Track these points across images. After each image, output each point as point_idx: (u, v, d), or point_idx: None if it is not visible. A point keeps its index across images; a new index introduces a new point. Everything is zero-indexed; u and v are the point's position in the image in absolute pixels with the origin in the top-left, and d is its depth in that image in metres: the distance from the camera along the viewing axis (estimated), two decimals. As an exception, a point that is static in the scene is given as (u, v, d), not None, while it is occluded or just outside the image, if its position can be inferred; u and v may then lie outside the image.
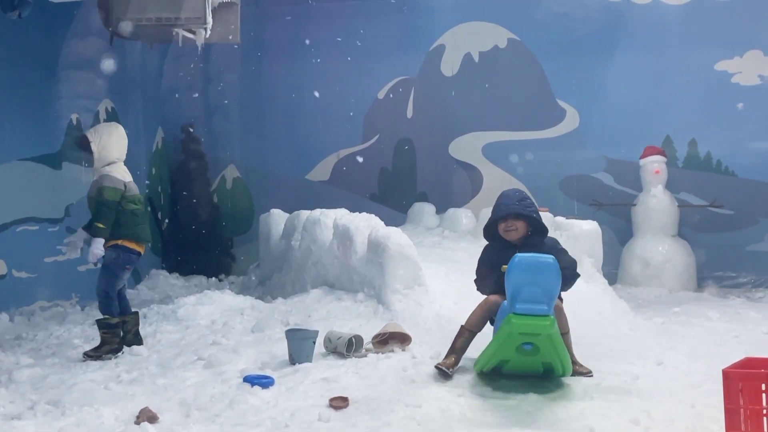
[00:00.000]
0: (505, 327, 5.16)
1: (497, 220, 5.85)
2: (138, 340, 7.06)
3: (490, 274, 5.80)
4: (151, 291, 11.02)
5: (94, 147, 6.94)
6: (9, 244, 9.22)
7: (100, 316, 6.99)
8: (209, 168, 12.95)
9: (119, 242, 6.93)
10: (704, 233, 10.67)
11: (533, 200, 6.06)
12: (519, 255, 5.30)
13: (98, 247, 6.82)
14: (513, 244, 5.77)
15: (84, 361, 6.66)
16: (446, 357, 5.77)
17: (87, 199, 7.10)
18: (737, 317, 8.02)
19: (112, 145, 7.05)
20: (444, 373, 5.62)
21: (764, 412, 3.73)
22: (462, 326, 5.82)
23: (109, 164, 7.00)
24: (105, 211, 6.83)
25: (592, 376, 5.59)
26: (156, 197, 12.31)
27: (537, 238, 5.81)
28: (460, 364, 5.93)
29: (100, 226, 6.82)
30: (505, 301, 5.34)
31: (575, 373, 5.56)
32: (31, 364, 6.64)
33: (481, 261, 5.98)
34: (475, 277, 6.02)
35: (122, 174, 7.05)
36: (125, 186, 7.01)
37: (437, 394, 5.26)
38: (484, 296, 5.81)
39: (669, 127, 10.90)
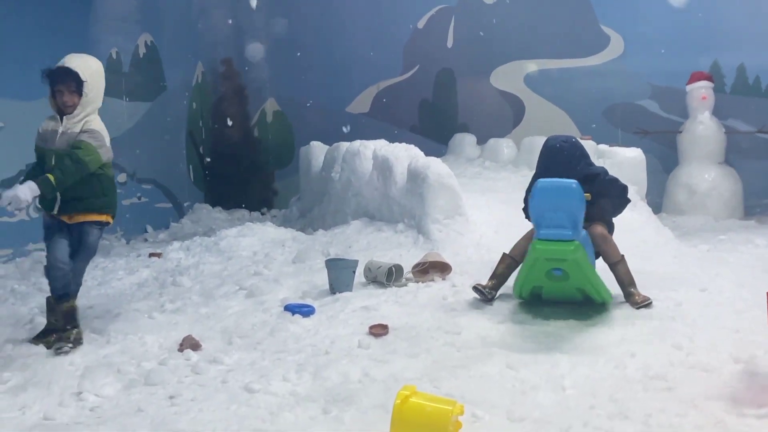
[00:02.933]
0: (531, 253, 5.14)
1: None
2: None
3: None
4: (195, 224, 11.15)
5: (86, 88, 5.21)
6: (53, 179, 9.33)
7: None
8: (249, 102, 12.95)
9: (104, 218, 5.37)
10: (752, 160, 10.43)
11: (576, 141, 5.86)
12: (541, 180, 5.24)
13: (26, 193, 4.94)
14: None
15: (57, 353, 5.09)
16: (487, 281, 5.76)
17: (53, 152, 5.19)
18: (785, 244, 7.86)
19: (101, 87, 5.38)
20: (480, 291, 5.62)
21: (810, 335, 3.67)
22: (505, 253, 5.79)
23: (93, 113, 5.32)
24: (73, 173, 5.09)
25: (650, 305, 5.46)
26: (197, 131, 12.35)
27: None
28: (501, 292, 5.91)
29: (53, 183, 5.05)
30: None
31: (632, 303, 5.49)
32: (77, 295, 6.75)
33: (529, 190, 5.89)
34: (523, 205, 5.96)
35: (105, 130, 5.37)
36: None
37: (477, 321, 5.25)
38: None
39: (716, 52, 10.60)
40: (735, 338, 4.72)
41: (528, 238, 5.67)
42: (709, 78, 10.32)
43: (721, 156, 10.31)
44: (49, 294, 5.26)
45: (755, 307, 5.23)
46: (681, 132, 10.45)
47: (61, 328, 5.17)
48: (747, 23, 10.39)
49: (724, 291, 5.85)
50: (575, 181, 5.17)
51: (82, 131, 5.19)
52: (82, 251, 5.29)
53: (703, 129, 10.23)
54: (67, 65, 5.19)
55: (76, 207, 5.25)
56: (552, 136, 5.88)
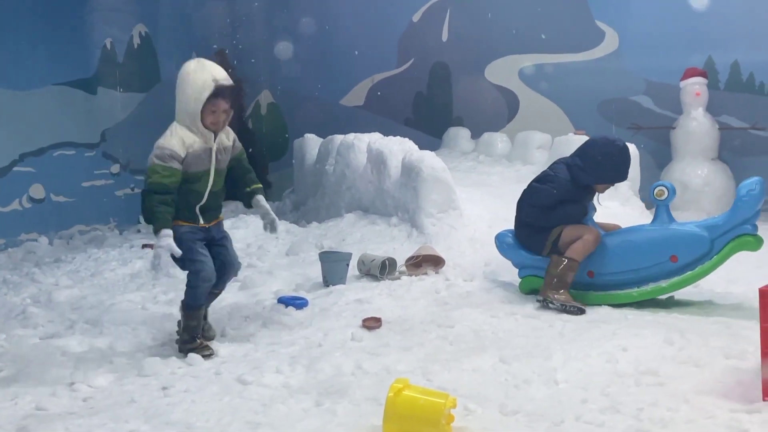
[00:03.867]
0: (745, 245, 5.38)
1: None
2: None
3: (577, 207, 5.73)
4: (188, 216, 11.12)
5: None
6: (46, 169, 9.34)
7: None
8: (243, 93, 12.92)
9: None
10: (745, 156, 10.44)
11: None
12: (757, 180, 5.38)
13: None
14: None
15: None
16: (566, 293, 5.50)
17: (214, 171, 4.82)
18: (777, 241, 7.88)
19: None
20: (576, 309, 5.38)
21: (801, 331, 3.68)
22: (573, 259, 5.55)
23: None
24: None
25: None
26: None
27: None
28: (495, 285, 5.94)
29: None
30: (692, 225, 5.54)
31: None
32: (69, 285, 6.74)
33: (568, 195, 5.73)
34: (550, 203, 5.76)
35: None
36: None
37: (470, 315, 5.27)
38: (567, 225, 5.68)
39: (711, 48, 10.60)
40: (726, 334, 4.74)
41: (594, 244, 5.59)
42: (703, 74, 10.32)
43: (715, 152, 10.31)
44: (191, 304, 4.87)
45: (747, 302, 5.26)
46: (674, 128, 10.45)
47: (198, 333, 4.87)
48: (741, 20, 10.39)
49: (716, 286, 5.88)
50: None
51: (234, 141, 5.01)
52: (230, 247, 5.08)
53: (696, 125, 10.23)
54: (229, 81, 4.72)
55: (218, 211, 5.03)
56: (610, 137, 5.86)
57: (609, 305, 5.50)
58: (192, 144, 4.70)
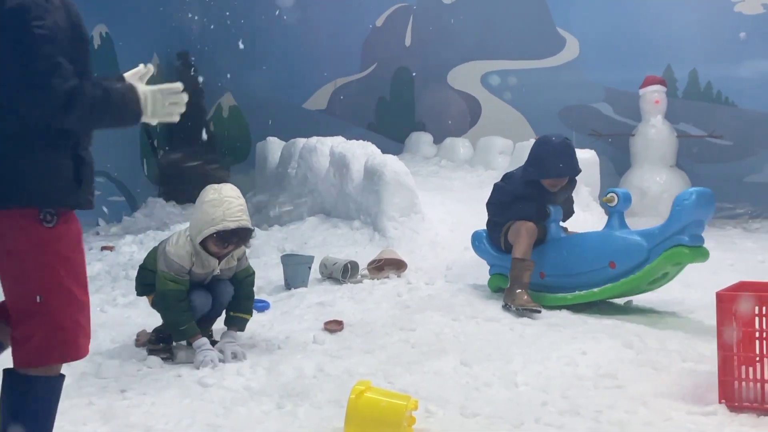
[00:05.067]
0: (673, 257, 5.22)
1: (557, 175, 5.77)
2: None
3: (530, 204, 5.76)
4: (148, 218, 11.04)
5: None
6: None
7: None
8: (205, 96, 12.84)
9: None
10: (703, 164, 10.62)
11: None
12: (694, 190, 5.37)
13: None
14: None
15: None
16: (525, 295, 5.48)
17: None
18: (733, 247, 8.02)
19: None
20: (532, 311, 5.37)
21: (757, 334, 3.74)
22: (527, 259, 5.57)
23: None
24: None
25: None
26: (152, 126, 12.22)
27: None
28: (458, 288, 5.97)
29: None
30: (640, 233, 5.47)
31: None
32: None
33: (519, 191, 5.83)
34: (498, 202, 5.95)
35: None
36: None
37: (431, 318, 5.28)
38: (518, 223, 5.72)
39: (670, 56, 10.77)
40: (683, 337, 4.81)
41: (528, 236, 5.63)
42: (662, 82, 10.48)
43: (673, 159, 10.47)
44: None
45: (703, 307, 5.32)
46: (634, 135, 10.59)
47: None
48: (699, 30, 10.57)
49: (673, 291, 5.96)
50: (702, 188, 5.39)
51: (240, 259, 4.86)
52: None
53: (655, 132, 10.38)
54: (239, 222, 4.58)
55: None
56: (551, 135, 5.97)
57: (566, 309, 5.54)
58: (195, 261, 4.62)
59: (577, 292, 5.56)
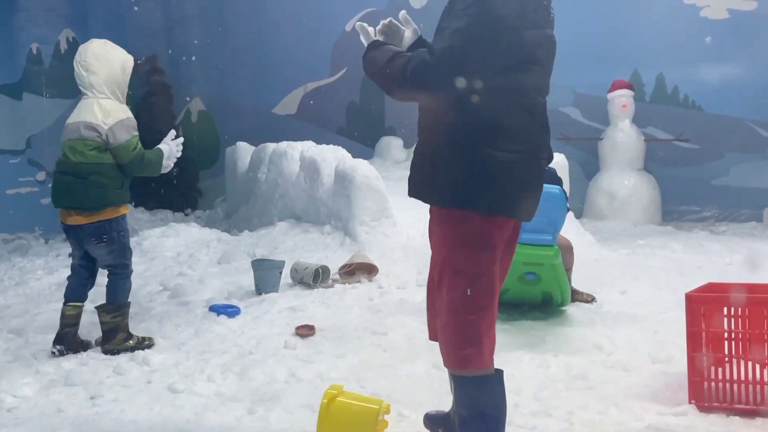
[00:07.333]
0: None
1: None
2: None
3: None
4: (116, 224, 10.92)
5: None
6: (-31, 176, 9.09)
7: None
8: (174, 101, 12.76)
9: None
10: (670, 167, 10.72)
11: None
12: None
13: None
14: None
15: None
16: None
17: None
18: (701, 249, 8.10)
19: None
20: None
21: (725, 335, 3.79)
22: None
23: None
24: None
25: (595, 301, 5.77)
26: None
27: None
28: (424, 292, 5.94)
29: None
30: None
31: (580, 301, 5.75)
32: (-7, 294, 6.58)
33: None
34: None
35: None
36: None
37: (403, 322, 5.28)
38: None
39: (637, 61, 10.87)
40: (653, 339, 4.85)
41: None
42: (629, 86, 10.58)
43: (641, 163, 10.57)
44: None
45: (672, 309, 5.37)
46: (602, 139, 10.68)
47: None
48: (666, 35, 10.68)
49: (642, 293, 6.02)
50: (558, 187, 5.23)
51: None
52: None
53: (623, 136, 10.47)
54: None
55: None
56: None
57: (536, 311, 5.56)
58: None
59: None
